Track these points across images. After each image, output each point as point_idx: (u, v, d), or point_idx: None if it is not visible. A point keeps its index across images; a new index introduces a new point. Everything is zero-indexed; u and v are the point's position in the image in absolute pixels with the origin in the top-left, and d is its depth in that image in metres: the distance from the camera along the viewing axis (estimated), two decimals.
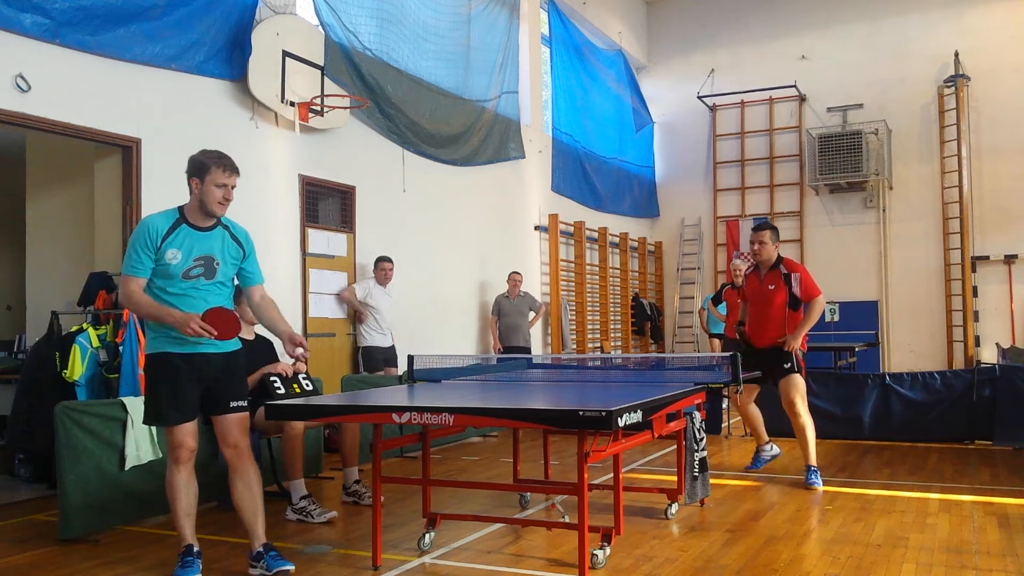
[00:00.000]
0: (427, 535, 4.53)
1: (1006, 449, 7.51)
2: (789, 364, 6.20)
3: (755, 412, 6.69)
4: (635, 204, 15.67)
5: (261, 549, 4.02)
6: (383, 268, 8.46)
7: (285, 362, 5.68)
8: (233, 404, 4.02)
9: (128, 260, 3.84)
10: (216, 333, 3.82)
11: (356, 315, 8.50)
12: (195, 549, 3.98)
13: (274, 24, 7.57)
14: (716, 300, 10.86)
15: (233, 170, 3.96)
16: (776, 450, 6.84)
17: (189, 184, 3.95)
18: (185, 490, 3.96)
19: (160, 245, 3.82)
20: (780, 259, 6.28)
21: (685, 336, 16.03)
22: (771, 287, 6.21)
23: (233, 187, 3.98)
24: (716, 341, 11.88)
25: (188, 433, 3.93)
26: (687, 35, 16.26)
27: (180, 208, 3.97)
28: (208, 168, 3.90)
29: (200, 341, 3.86)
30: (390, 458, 7.39)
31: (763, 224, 6.39)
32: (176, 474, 3.95)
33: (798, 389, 6.21)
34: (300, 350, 4.03)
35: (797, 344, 6.20)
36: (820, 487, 6.04)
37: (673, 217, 16.39)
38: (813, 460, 6.23)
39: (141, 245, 3.81)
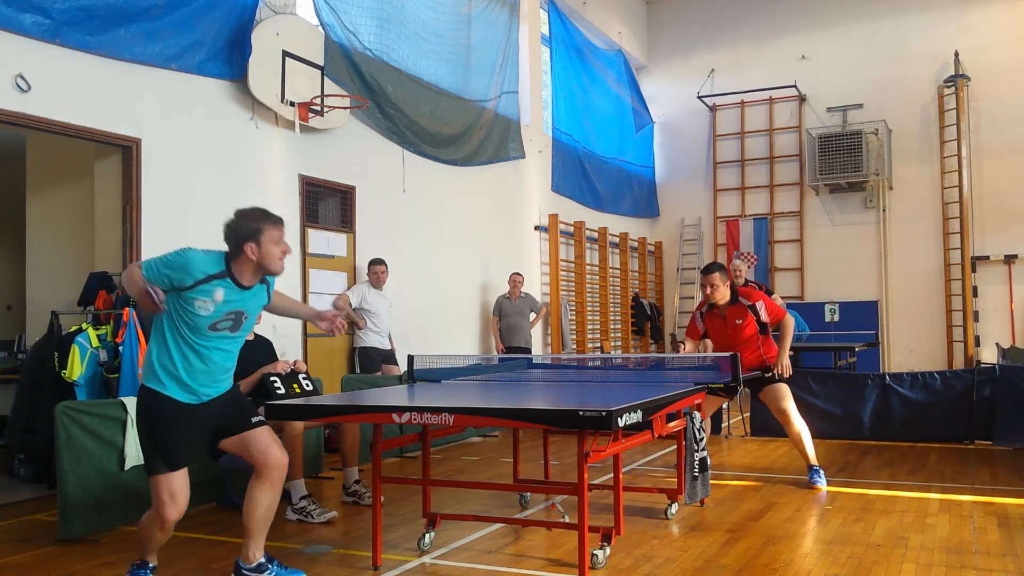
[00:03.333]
0: (427, 535, 4.53)
1: (1006, 449, 7.51)
2: (770, 374, 6.22)
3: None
4: (635, 204, 15.67)
5: (264, 559, 3.84)
6: (376, 271, 8.39)
7: (285, 361, 5.68)
8: (255, 419, 3.79)
9: (154, 266, 3.52)
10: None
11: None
12: (151, 565, 3.84)
13: (274, 24, 7.57)
14: None
15: (282, 222, 3.76)
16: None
17: (241, 249, 3.60)
18: (162, 538, 3.71)
19: (192, 286, 3.50)
20: (735, 292, 6.23)
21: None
22: (738, 322, 6.15)
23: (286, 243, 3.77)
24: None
25: (183, 485, 3.61)
26: (687, 35, 16.27)
27: (226, 259, 3.62)
28: (262, 231, 3.62)
29: (207, 391, 3.66)
30: (390, 458, 7.39)
31: (710, 267, 6.22)
32: (157, 528, 3.66)
33: (785, 396, 6.21)
34: (335, 314, 4.03)
35: (786, 365, 6.25)
36: (823, 486, 6.01)
37: (673, 217, 16.39)
38: (814, 460, 6.22)
39: (172, 271, 3.49)
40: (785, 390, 6.24)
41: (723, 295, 6.17)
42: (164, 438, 3.55)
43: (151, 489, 3.58)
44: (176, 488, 3.56)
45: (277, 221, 3.72)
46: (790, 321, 6.32)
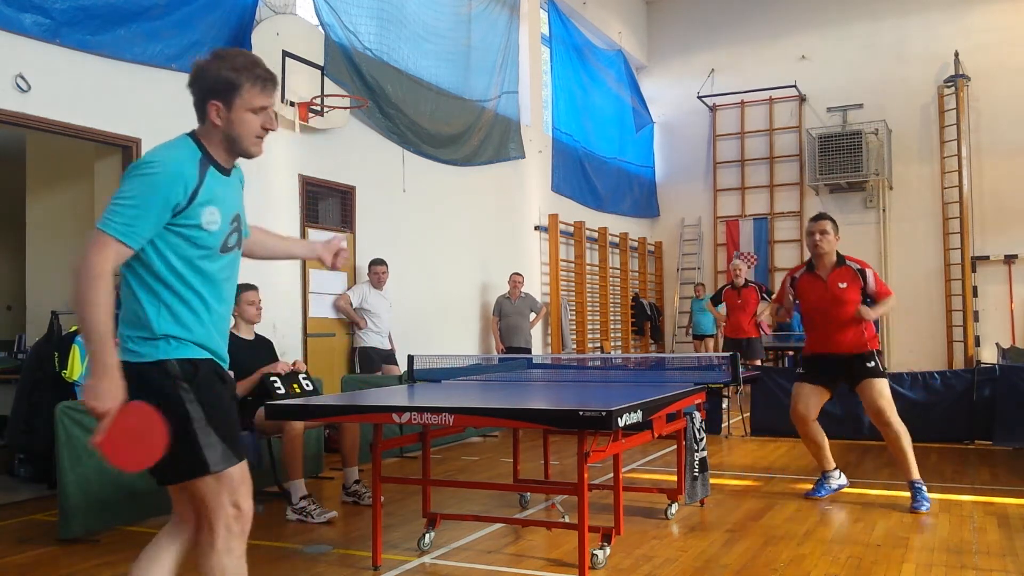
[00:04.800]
0: (427, 535, 4.53)
1: (1006, 449, 7.50)
2: (873, 363, 5.37)
3: (819, 435, 5.69)
4: (635, 204, 15.67)
5: None
6: (376, 271, 8.39)
7: (284, 361, 5.68)
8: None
9: (119, 211, 2.31)
10: (117, 460, 2.29)
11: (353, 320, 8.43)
12: None
13: (274, 24, 7.57)
14: (716, 300, 10.86)
15: (273, 82, 2.55)
16: (844, 480, 5.76)
17: (205, 109, 2.51)
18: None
19: (192, 200, 2.39)
20: (841, 256, 5.47)
21: (685, 336, 16.03)
22: (842, 285, 5.32)
23: (273, 112, 2.60)
24: (710, 341, 11.88)
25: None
26: (687, 35, 16.27)
27: (197, 139, 2.51)
28: (239, 87, 2.46)
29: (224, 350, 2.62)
30: (390, 458, 7.39)
31: (822, 215, 5.55)
32: (235, 556, 2.49)
33: (884, 395, 5.40)
34: (338, 250, 3.01)
35: (874, 314, 5.32)
36: (926, 508, 5.18)
37: (673, 217, 16.39)
38: (916, 474, 5.32)
39: (160, 194, 2.33)
40: (885, 386, 5.42)
41: (832, 247, 5.43)
42: (220, 413, 2.47)
43: (211, 500, 2.44)
44: (248, 478, 2.54)
45: (266, 78, 2.51)
46: (892, 300, 5.43)
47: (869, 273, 5.42)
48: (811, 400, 5.60)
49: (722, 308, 10.42)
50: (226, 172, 2.55)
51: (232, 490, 2.46)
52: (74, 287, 2.28)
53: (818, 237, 5.44)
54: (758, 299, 9.66)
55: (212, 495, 2.43)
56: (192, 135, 2.52)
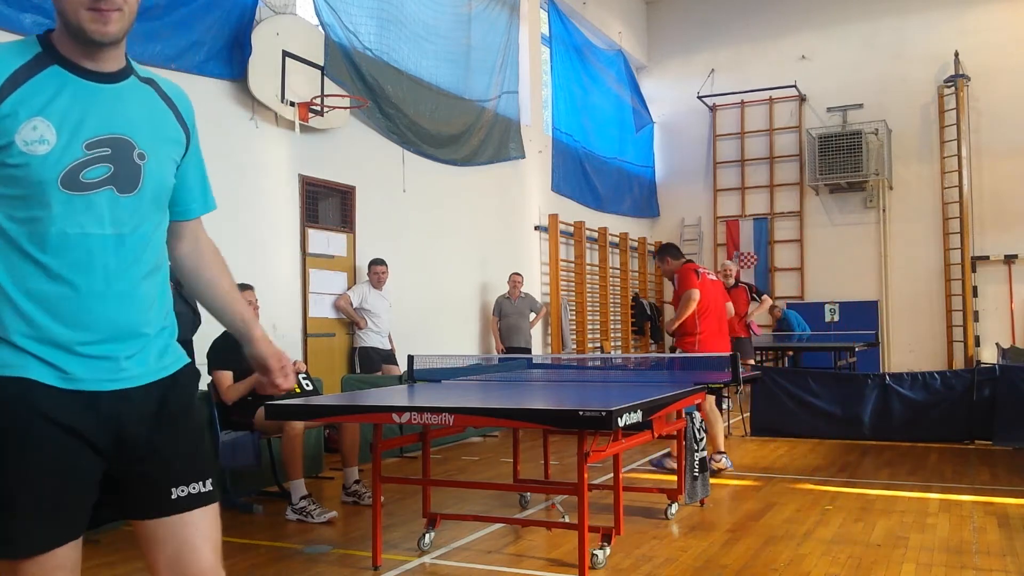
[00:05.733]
0: (427, 535, 4.53)
1: (1006, 449, 7.50)
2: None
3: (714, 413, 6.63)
4: (635, 204, 15.67)
5: None
6: (376, 271, 8.39)
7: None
8: (183, 490, 1.82)
9: None
10: None
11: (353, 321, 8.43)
12: None
13: (274, 24, 7.57)
14: None
15: None
16: (726, 463, 6.64)
17: None
18: None
19: None
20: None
21: None
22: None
23: None
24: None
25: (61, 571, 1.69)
26: (687, 35, 16.27)
27: (46, 35, 1.75)
28: None
29: (96, 357, 1.71)
30: (390, 458, 7.39)
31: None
32: None
33: None
34: (291, 374, 2.05)
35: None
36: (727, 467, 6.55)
37: (673, 217, 16.39)
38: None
39: None
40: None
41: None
42: (16, 467, 1.65)
43: None
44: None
45: None
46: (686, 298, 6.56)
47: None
48: None
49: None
50: (94, 76, 1.72)
51: None
52: None
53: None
54: (748, 300, 9.70)
55: None
56: (44, 32, 1.76)
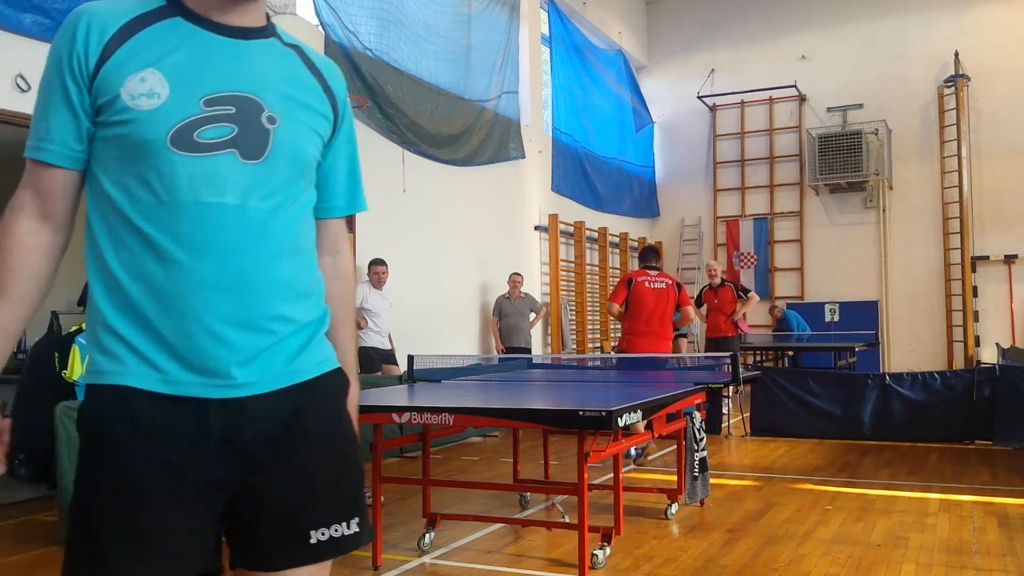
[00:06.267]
0: (427, 535, 4.53)
1: (1006, 449, 7.50)
2: None
3: None
4: (635, 204, 15.67)
5: None
6: (376, 272, 8.39)
7: None
8: (323, 533, 1.48)
9: (33, 122, 1.53)
10: None
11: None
12: None
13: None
14: (698, 302, 10.90)
15: None
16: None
17: None
18: None
19: (100, 66, 1.42)
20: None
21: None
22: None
23: None
24: (682, 342, 11.95)
25: None
26: (687, 35, 16.27)
27: None
28: None
29: (222, 352, 1.40)
30: (390, 458, 7.39)
31: None
32: None
33: None
34: None
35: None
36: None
37: (673, 217, 16.39)
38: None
39: (56, 62, 1.45)
40: None
41: None
42: (89, 494, 1.45)
43: None
44: None
45: None
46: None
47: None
48: None
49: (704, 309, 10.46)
50: (223, 30, 1.51)
51: None
52: None
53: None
54: (734, 298, 9.72)
55: None
56: None
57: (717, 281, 9.88)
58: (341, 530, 1.49)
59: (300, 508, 1.45)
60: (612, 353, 7.51)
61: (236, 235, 1.41)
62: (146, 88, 1.39)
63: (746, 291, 9.94)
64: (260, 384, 1.43)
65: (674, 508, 5.21)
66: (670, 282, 7.27)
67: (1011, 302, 13.84)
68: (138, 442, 1.39)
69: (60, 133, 1.45)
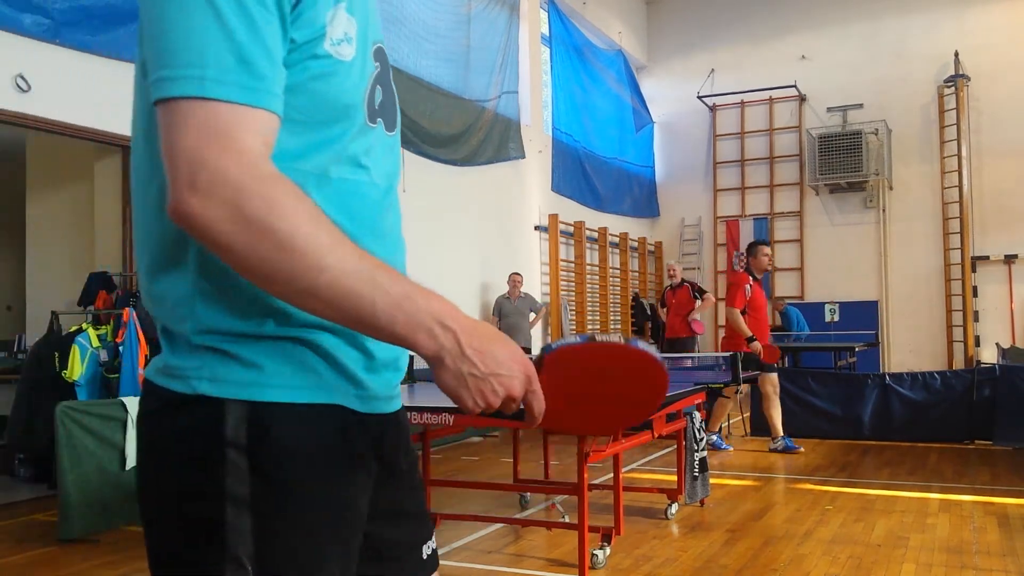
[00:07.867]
0: None
1: (1006, 449, 7.50)
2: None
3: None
4: (635, 204, 15.67)
5: None
6: None
7: None
8: (429, 547, 1.29)
9: (210, 47, 0.94)
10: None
11: None
12: None
13: None
14: (662, 303, 10.91)
15: None
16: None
17: None
18: None
19: None
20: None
21: None
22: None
23: None
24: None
25: None
26: (687, 35, 16.27)
27: None
28: None
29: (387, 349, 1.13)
30: None
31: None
32: None
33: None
34: None
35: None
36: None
37: (673, 217, 16.39)
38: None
39: None
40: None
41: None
42: (295, 539, 1.03)
43: None
44: None
45: None
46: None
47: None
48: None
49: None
50: None
51: None
52: (225, 237, 0.94)
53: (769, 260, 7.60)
54: (690, 299, 9.70)
55: None
56: None
57: (677, 280, 9.90)
58: (432, 545, 1.30)
59: (420, 520, 1.28)
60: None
61: (390, 225, 1.17)
62: (341, 32, 1.04)
63: (702, 292, 9.97)
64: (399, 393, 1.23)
65: (674, 508, 5.21)
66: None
67: (1011, 302, 13.84)
68: (359, 474, 1.12)
69: (274, 69, 0.98)
